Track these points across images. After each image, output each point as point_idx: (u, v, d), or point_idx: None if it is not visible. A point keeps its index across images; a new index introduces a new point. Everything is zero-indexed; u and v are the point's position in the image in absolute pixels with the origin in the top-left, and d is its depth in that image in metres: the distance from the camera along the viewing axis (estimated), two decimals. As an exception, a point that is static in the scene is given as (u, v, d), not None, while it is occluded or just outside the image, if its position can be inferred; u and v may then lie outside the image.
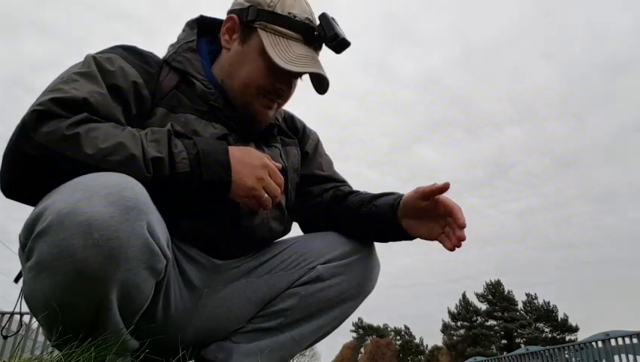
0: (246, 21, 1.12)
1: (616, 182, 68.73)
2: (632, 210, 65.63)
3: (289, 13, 1.09)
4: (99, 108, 0.93)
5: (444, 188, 1.06)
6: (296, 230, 1.32)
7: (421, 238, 1.15)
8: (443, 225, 1.09)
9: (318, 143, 1.40)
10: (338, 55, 1.15)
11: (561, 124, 71.58)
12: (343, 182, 1.38)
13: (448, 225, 1.07)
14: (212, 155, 0.95)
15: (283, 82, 1.12)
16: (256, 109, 1.13)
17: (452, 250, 1.06)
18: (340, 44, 1.11)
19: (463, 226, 1.03)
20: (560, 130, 71.49)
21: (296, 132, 1.35)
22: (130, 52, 1.08)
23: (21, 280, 0.87)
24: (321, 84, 1.15)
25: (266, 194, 1.00)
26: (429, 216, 1.11)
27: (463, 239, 1.03)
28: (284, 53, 1.07)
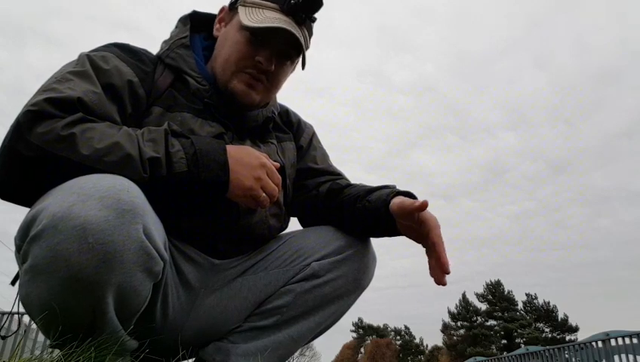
0: (231, 5, 1.16)
1: (609, 185, 69.30)
2: (626, 212, 66.09)
3: None
4: (94, 108, 0.92)
5: (423, 206, 1.01)
6: (292, 225, 1.30)
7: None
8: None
9: (312, 136, 1.38)
10: (313, 21, 1.14)
11: (554, 129, 72.18)
12: (339, 175, 1.36)
13: (434, 260, 1.00)
14: (210, 155, 0.94)
15: (261, 54, 1.10)
16: (236, 87, 1.11)
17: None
18: (310, 2, 1.10)
19: (445, 272, 0.98)
20: (553, 135, 72.03)
21: (291, 126, 1.34)
22: (124, 50, 1.07)
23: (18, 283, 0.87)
24: (299, 52, 1.13)
25: (263, 194, 0.99)
26: (417, 232, 1.05)
27: (444, 284, 0.98)
28: (255, 16, 1.08)
